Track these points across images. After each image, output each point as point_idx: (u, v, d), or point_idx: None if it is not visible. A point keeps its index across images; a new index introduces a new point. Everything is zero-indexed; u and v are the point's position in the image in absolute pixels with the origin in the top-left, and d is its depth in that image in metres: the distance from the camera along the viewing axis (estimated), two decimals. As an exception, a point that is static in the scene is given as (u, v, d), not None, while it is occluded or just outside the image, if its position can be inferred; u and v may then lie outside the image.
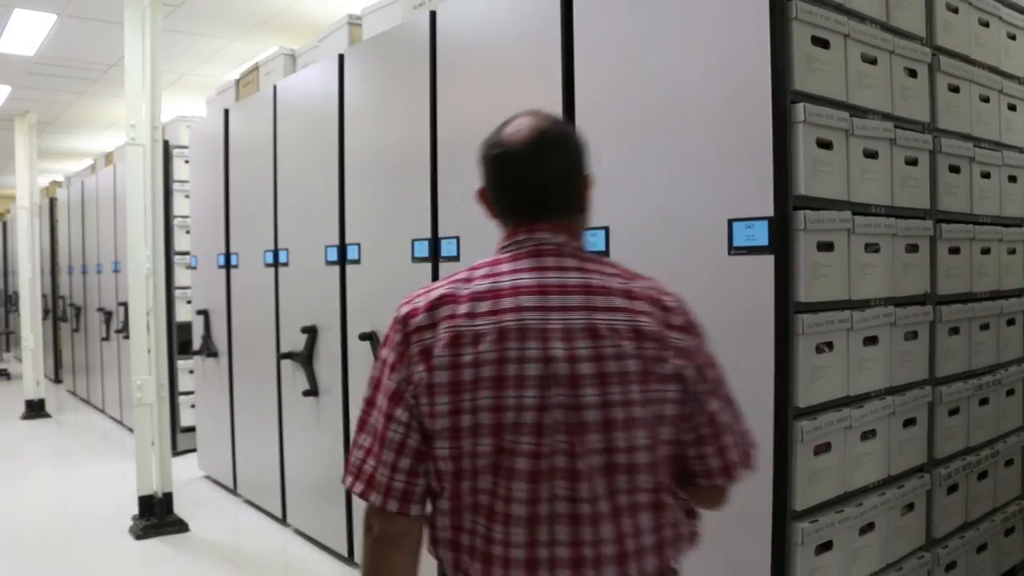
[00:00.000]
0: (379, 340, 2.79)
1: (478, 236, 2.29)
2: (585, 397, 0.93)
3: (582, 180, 1.06)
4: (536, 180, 1.02)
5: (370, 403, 1.02)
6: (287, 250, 3.42)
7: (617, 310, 0.96)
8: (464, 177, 2.42)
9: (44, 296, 7.80)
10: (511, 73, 2.23)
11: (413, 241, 2.61)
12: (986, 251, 2.30)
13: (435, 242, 2.53)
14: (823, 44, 1.69)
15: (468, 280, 0.99)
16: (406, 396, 0.97)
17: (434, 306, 0.98)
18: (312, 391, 3.21)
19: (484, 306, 0.96)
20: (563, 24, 2.05)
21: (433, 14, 2.52)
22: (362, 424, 1.02)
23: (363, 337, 2.82)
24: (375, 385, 1.02)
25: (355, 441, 1.02)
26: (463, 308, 0.96)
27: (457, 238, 2.43)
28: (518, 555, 0.94)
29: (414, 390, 0.96)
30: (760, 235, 1.61)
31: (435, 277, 2.53)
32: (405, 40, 2.67)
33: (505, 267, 1.00)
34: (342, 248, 3.00)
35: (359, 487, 0.99)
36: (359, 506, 2.97)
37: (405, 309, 1.01)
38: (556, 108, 2.06)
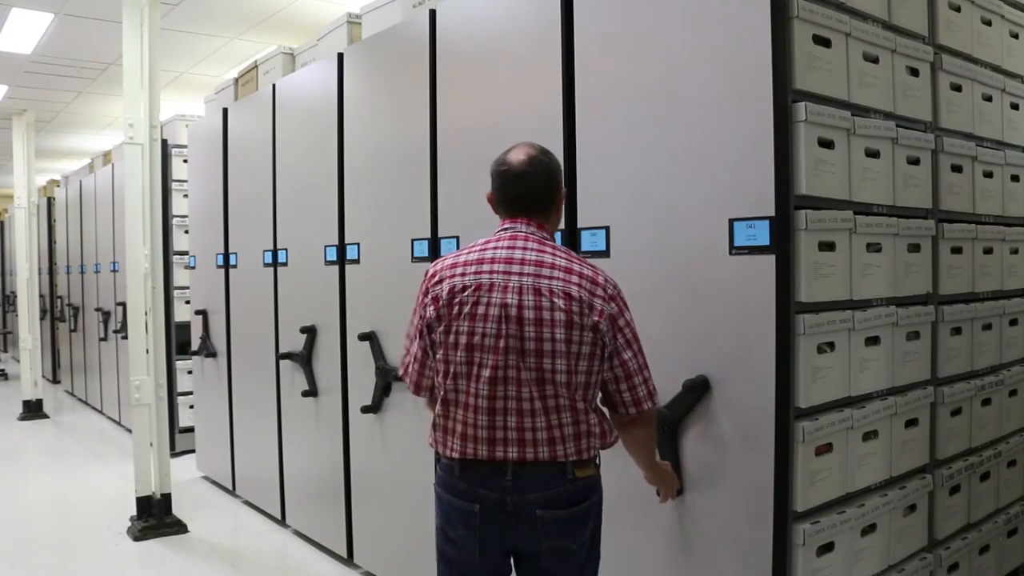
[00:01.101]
0: (378, 340, 2.78)
1: (477, 236, 2.25)
2: (526, 332, 1.42)
3: (557, 192, 1.55)
4: (524, 190, 1.51)
5: (409, 329, 1.58)
6: (286, 250, 3.41)
7: (556, 279, 1.43)
8: (464, 177, 2.42)
9: (42, 296, 7.78)
10: (511, 72, 2.23)
11: (413, 241, 2.60)
12: (988, 251, 2.30)
13: (435, 242, 2.52)
14: (824, 43, 1.68)
15: (468, 251, 1.52)
16: (423, 329, 1.51)
17: (442, 268, 1.52)
18: (311, 391, 3.20)
19: (471, 268, 1.47)
20: (563, 23, 2.05)
21: (433, 13, 2.51)
22: (408, 337, 1.59)
23: (362, 337, 2.81)
24: (411, 319, 1.57)
25: (404, 346, 1.60)
26: (459, 269, 1.48)
27: (457, 238, 2.43)
28: (482, 434, 1.44)
29: (427, 323, 1.49)
30: (761, 235, 1.60)
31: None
32: (405, 39, 2.66)
33: (491, 244, 1.50)
34: (341, 248, 2.99)
35: (406, 377, 1.58)
36: (358, 506, 2.97)
37: (429, 270, 1.54)
38: (556, 107, 2.06)
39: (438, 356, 1.48)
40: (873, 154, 1.81)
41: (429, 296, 1.49)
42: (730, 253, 1.66)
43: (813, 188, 1.63)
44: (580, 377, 1.43)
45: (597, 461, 1.53)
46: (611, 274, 1.91)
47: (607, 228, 1.93)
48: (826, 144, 1.66)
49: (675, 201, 1.77)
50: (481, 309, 1.43)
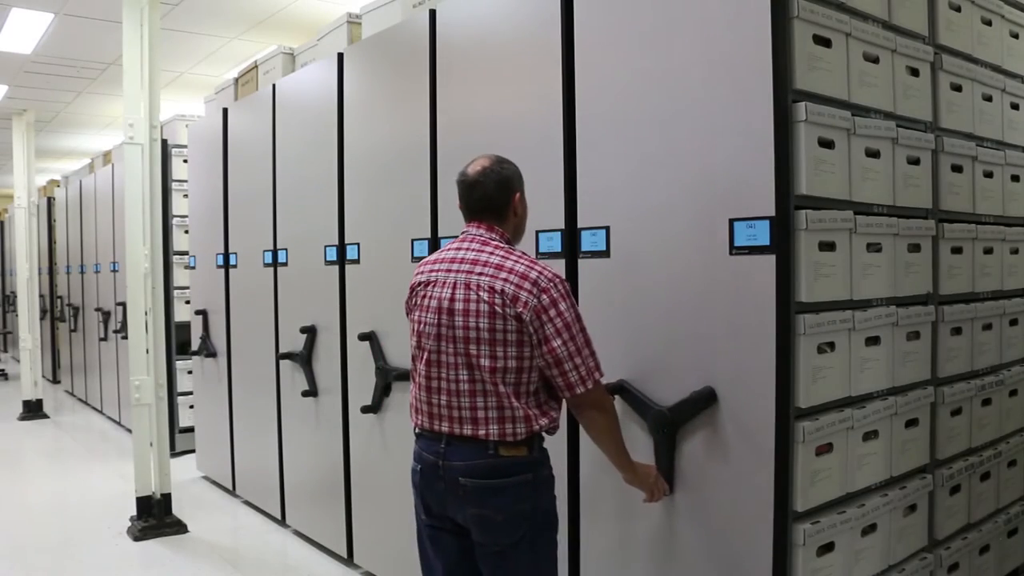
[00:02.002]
0: (378, 340, 2.78)
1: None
2: (455, 322, 1.60)
3: (510, 197, 1.69)
4: (475, 197, 1.68)
5: None
6: (286, 250, 3.41)
7: (484, 275, 1.60)
8: (464, 176, 2.41)
9: (42, 296, 7.77)
10: (511, 72, 2.22)
11: (413, 241, 2.60)
12: (988, 251, 2.29)
13: (435, 242, 2.52)
14: (825, 43, 1.68)
15: (437, 252, 1.73)
16: (408, 315, 1.74)
17: (420, 265, 1.74)
18: (311, 391, 3.20)
19: (429, 266, 1.70)
20: (563, 23, 2.04)
21: (433, 13, 2.51)
22: None
23: (362, 337, 2.81)
24: None
25: None
26: (425, 267, 1.72)
27: (457, 238, 2.42)
28: (423, 408, 1.67)
29: (408, 310, 1.74)
30: (762, 235, 1.60)
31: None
32: (405, 39, 2.65)
33: (448, 246, 1.71)
34: (341, 248, 2.99)
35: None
36: (358, 506, 2.97)
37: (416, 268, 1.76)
38: (556, 107, 2.05)
39: (410, 342, 1.73)
40: (873, 154, 1.81)
41: (410, 290, 1.74)
42: (730, 253, 1.65)
43: (813, 188, 1.63)
44: (510, 362, 1.57)
45: (534, 445, 1.62)
46: (611, 274, 1.89)
47: (607, 228, 1.93)
48: (826, 144, 1.66)
49: (675, 201, 1.77)
50: (427, 302, 1.66)
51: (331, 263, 3.04)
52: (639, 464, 1.71)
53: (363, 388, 2.85)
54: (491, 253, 1.62)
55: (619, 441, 1.66)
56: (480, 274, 1.60)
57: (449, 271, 1.64)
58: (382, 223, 2.76)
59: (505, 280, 1.57)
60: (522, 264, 1.60)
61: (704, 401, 1.69)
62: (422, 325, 1.66)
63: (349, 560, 3.05)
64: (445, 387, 1.62)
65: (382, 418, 2.80)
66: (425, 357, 1.65)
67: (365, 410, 2.80)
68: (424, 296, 1.66)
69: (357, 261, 2.90)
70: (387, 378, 2.72)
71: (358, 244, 2.90)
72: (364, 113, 2.88)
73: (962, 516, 2.18)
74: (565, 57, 2.04)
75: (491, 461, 1.58)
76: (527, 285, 1.56)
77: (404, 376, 2.66)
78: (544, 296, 1.56)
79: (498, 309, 1.56)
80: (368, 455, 2.90)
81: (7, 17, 4.42)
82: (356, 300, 2.93)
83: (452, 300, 1.61)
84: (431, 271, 1.68)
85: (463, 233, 1.70)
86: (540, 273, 1.58)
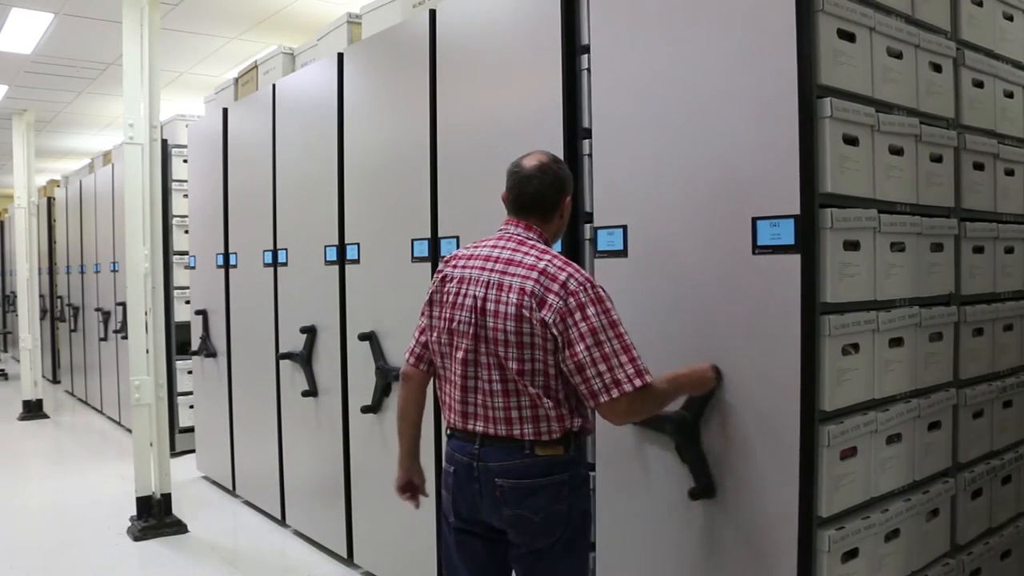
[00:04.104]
0: (378, 340, 2.75)
1: (478, 236, 2.21)
2: (487, 322, 1.57)
3: (561, 199, 1.66)
4: (528, 192, 1.63)
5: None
6: (286, 250, 3.38)
7: (516, 275, 1.56)
8: (464, 177, 2.39)
9: (42, 296, 7.76)
10: (511, 72, 2.20)
11: (412, 241, 2.57)
12: (1010, 250, 2.25)
13: (435, 242, 2.49)
14: (849, 37, 1.64)
15: (469, 247, 1.69)
16: (424, 309, 1.70)
17: (448, 258, 1.70)
18: (311, 391, 3.18)
19: (461, 262, 1.65)
20: (563, 23, 2.02)
21: (433, 13, 2.48)
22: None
23: (362, 337, 2.79)
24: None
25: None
26: (455, 262, 1.67)
27: (457, 238, 2.40)
28: (458, 407, 1.62)
29: (428, 305, 1.69)
30: (786, 234, 1.55)
31: (437, 277, 2.49)
32: (405, 39, 2.63)
33: (483, 242, 1.66)
34: (341, 248, 2.97)
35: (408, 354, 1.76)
36: (358, 506, 2.94)
37: (444, 259, 1.72)
38: (556, 106, 2.02)
39: (433, 337, 1.66)
40: (897, 151, 1.77)
41: (433, 283, 1.69)
42: (753, 253, 1.60)
43: (838, 186, 1.57)
44: (537, 365, 1.54)
45: (570, 444, 1.57)
46: (628, 274, 1.84)
47: (624, 227, 1.88)
48: (851, 141, 1.61)
49: (695, 199, 1.72)
50: (461, 299, 1.60)
51: (331, 263, 3.01)
52: (692, 374, 1.63)
53: (363, 388, 2.83)
54: (526, 253, 1.58)
55: (674, 396, 1.59)
56: (513, 275, 1.56)
57: (484, 269, 1.59)
58: (382, 223, 2.74)
59: (536, 281, 1.53)
60: (553, 265, 1.55)
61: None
62: (455, 323, 1.60)
63: (349, 560, 3.03)
64: (481, 387, 1.58)
65: (382, 418, 2.77)
66: (461, 356, 1.59)
67: (365, 410, 2.78)
68: (458, 293, 1.61)
69: (357, 261, 2.88)
70: (387, 378, 2.70)
71: (358, 244, 2.87)
72: (364, 113, 2.85)
73: (983, 520, 2.13)
74: (565, 57, 2.02)
75: (527, 461, 1.55)
76: (555, 287, 1.52)
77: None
78: (572, 299, 1.50)
79: (525, 312, 1.52)
80: (368, 455, 2.88)
81: (7, 17, 4.40)
82: (356, 300, 2.91)
83: (485, 300, 1.56)
84: (465, 267, 1.63)
85: (501, 231, 1.66)
86: (570, 276, 1.53)
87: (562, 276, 1.52)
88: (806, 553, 1.55)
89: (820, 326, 1.55)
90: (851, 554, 1.63)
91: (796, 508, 1.55)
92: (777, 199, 1.56)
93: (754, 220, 1.60)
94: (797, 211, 1.54)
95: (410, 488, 1.80)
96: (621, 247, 1.88)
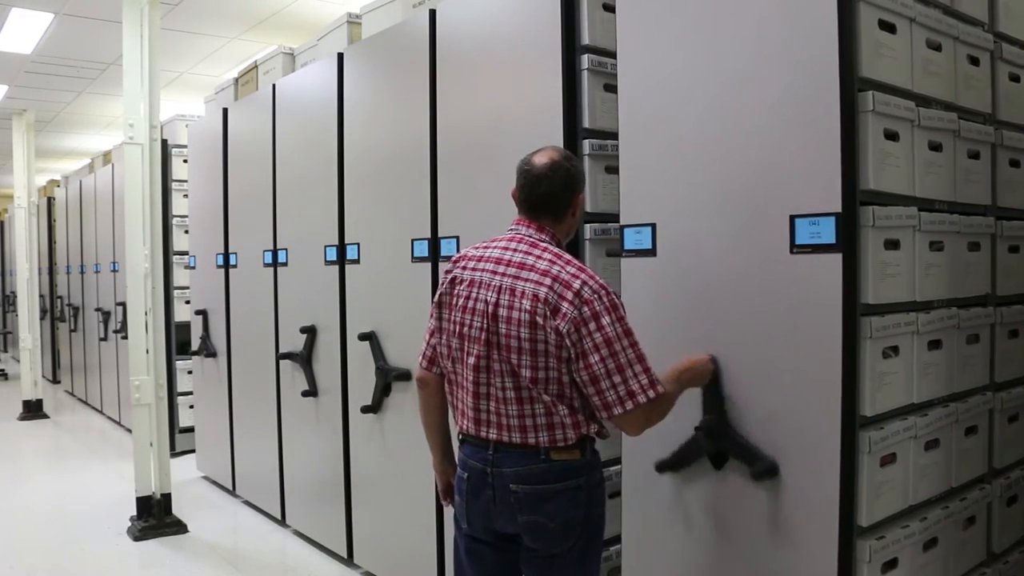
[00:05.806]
0: (378, 340, 2.77)
1: (478, 236, 2.25)
2: (498, 327, 1.52)
3: (573, 197, 1.60)
4: (540, 191, 1.58)
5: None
6: (286, 250, 3.40)
7: (530, 281, 1.51)
8: (464, 177, 2.40)
9: (42, 296, 7.76)
10: (511, 72, 2.21)
11: (413, 241, 2.59)
12: None
13: (435, 242, 2.51)
14: (890, 28, 1.56)
15: (479, 247, 1.63)
16: (433, 311, 1.65)
17: (456, 258, 1.64)
18: (311, 391, 3.20)
19: (471, 264, 1.60)
20: (563, 23, 2.03)
21: (433, 13, 2.50)
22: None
23: (362, 337, 2.80)
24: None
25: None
26: (465, 263, 1.61)
27: (457, 238, 2.41)
28: (470, 414, 1.58)
29: (437, 307, 1.64)
30: (827, 232, 1.47)
31: (435, 277, 2.51)
32: (405, 39, 2.64)
33: (494, 243, 1.61)
34: (341, 248, 2.98)
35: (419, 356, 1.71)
36: (358, 506, 2.96)
37: (452, 256, 1.71)
38: (556, 106, 2.04)
39: (442, 340, 1.63)
40: (936, 147, 1.69)
41: (442, 285, 1.65)
42: (791, 252, 1.53)
43: (879, 182, 1.51)
44: (551, 373, 1.50)
45: (586, 448, 1.55)
46: (657, 274, 1.79)
47: (653, 225, 1.81)
48: (891, 136, 1.54)
49: (728, 196, 1.64)
50: (471, 303, 1.56)
51: (331, 263, 3.03)
52: (693, 367, 1.60)
53: (363, 388, 2.84)
54: (538, 257, 1.53)
55: (679, 392, 1.56)
56: (526, 280, 1.50)
57: (495, 273, 1.54)
58: (382, 223, 2.75)
59: (549, 288, 1.48)
60: (567, 271, 1.49)
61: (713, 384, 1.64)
62: (466, 327, 1.55)
63: (349, 560, 3.04)
64: (494, 394, 1.53)
65: (382, 418, 2.79)
66: (473, 362, 1.54)
67: (365, 410, 2.79)
68: (468, 297, 1.55)
69: (357, 261, 2.90)
70: (387, 378, 2.72)
71: (358, 244, 2.89)
72: (364, 113, 2.87)
73: (1018, 528, 2.05)
74: (565, 56, 2.03)
75: (543, 467, 1.52)
76: (569, 295, 1.47)
77: (404, 376, 2.65)
78: (586, 308, 1.46)
79: (539, 320, 1.47)
80: (368, 455, 2.89)
81: (7, 17, 4.42)
82: (356, 300, 2.92)
83: (497, 306, 1.51)
84: (475, 269, 1.57)
85: (512, 231, 1.60)
86: (585, 283, 1.48)
87: (576, 284, 1.48)
88: (846, 563, 1.49)
89: (861, 328, 1.49)
90: (891, 564, 1.57)
91: (836, 517, 1.48)
92: (816, 196, 1.49)
93: (792, 218, 1.53)
94: (838, 209, 1.46)
95: (452, 492, 1.73)
96: (650, 245, 1.81)
